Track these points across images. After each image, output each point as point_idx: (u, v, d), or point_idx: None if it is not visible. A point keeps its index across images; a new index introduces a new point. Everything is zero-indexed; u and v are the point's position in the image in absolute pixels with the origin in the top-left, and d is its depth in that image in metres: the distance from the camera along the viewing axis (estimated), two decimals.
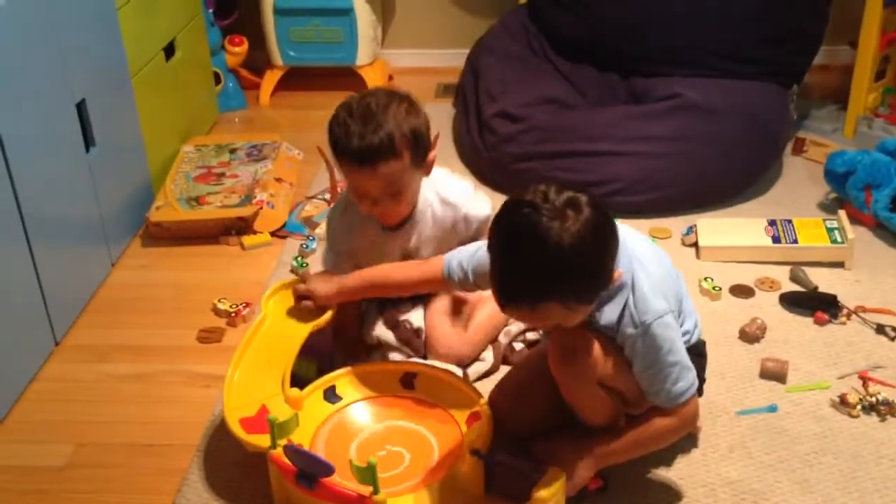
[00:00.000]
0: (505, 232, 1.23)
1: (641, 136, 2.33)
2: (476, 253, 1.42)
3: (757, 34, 2.50)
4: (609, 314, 1.33)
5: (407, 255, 1.72)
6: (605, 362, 1.34)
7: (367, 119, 1.51)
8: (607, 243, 1.24)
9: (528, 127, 2.43)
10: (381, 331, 1.77)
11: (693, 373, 1.35)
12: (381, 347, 1.77)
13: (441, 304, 1.77)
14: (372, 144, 1.50)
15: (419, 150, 1.56)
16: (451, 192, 1.70)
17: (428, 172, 1.64)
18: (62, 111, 1.96)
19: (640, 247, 1.38)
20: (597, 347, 1.34)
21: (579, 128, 2.40)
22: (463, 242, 1.60)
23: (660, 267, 1.38)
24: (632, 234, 1.40)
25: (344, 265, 1.68)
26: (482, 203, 1.75)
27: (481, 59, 2.75)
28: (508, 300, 1.24)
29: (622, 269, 1.30)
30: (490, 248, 1.26)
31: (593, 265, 1.22)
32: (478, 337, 1.75)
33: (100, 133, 2.08)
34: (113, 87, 2.21)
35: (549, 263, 1.19)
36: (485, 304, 1.78)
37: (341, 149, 1.54)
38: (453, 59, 3.06)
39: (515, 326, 1.79)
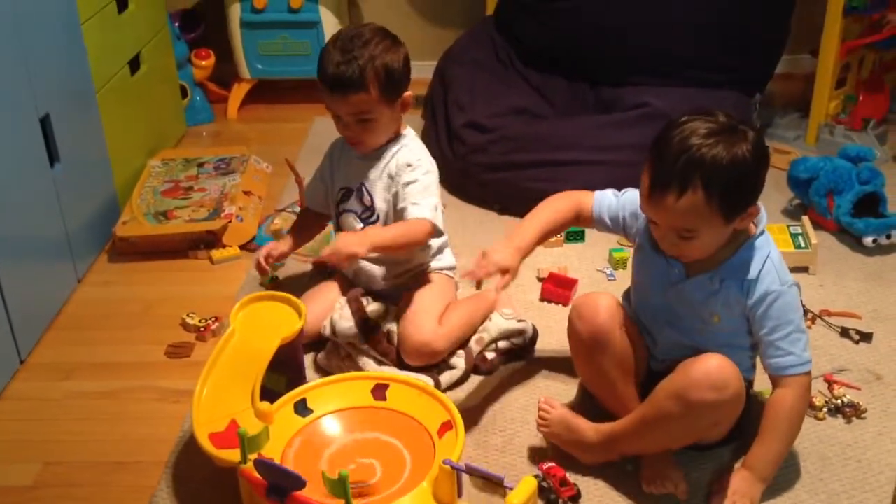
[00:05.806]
0: (668, 126, 1.36)
1: (611, 145, 2.35)
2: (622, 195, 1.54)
3: (721, 43, 2.53)
4: (746, 259, 1.39)
5: (361, 192, 1.78)
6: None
7: (346, 50, 1.65)
8: (761, 163, 1.34)
9: (497, 137, 2.44)
10: (350, 325, 1.75)
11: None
12: (349, 348, 1.75)
13: (414, 301, 1.76)
14: (343, 75, 1.64)
15: (390, 87, 1.67)
16: (421, 151, 1.80)
17: (404, 109, 1.74)
18: (26, 126, 1.93)
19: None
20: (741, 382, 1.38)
21: (549, 137, 2.42)
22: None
23: None
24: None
25: (312, 188, 1.92)
26: (422, 172, 1.75)
27: (450, 70, 2.76)
28: (658, 184, 1.31)
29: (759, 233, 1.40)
30: (650, 148, 1.36)
31: (745, 170, 1.31)
32: (453, 332, 1.73)
33: (64, 148, 2.06)
34: (77, 102, 2.19)
35: (703, 150, 1.30)
36: (459, 305, 1.79)
37: (320, 74, 1.68)
38: (422, 71, 3.03)
39: (487, 334, 1.79)
